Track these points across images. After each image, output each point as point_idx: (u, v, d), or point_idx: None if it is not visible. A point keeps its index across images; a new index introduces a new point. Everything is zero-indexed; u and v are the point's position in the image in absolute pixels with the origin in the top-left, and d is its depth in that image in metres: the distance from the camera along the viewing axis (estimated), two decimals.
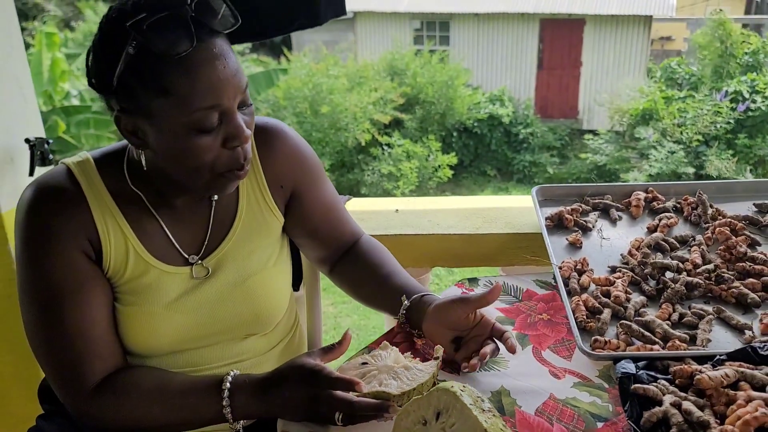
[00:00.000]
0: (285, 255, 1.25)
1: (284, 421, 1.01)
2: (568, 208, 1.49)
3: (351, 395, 0.95)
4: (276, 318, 1.21)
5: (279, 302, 1.20)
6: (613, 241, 1.43)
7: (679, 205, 1.52)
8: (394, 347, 1.09)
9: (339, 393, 0.95)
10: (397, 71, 11.69)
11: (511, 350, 1.11)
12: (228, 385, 1.00)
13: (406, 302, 1.18)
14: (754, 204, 1.51)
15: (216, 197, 1.14)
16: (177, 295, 1.10)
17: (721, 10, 11.02)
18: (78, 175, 1.04)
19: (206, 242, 1.13)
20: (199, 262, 1.12)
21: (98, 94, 0.99)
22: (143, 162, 1.02)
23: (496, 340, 1.13)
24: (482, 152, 11.86)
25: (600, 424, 1.01)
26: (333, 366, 1.10)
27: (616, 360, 1.09)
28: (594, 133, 11.48)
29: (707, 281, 1.27)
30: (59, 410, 1.22)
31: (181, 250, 1.11)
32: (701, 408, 0.98)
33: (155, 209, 1.09)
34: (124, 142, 1.07)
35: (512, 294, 1.38)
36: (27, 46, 11.22)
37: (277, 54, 13.10)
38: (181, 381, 1.04)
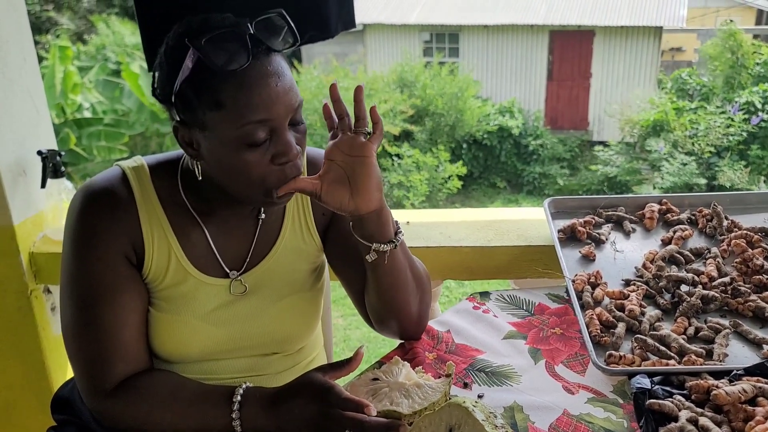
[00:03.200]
0: (321, 283, 1.25)
1: None
2: (581, 220, 1.48)
3: (361, 415, 0.94)
4: (303, 340, 1.23)
5: (309, 326, 1.22)
6: (626, 254, 1.41)
7: (693, 217, 1.50)
8: (405, 363, 1.07)
9: (349, 413, 0.94)
10: (407, 83, 11.72)
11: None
12: (239, 397, 1.00)
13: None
14: None
15: (263, 215, 1.15)
16: (212, 307, 1.11)
17: (731, 20, 10.99)
18: (132, 180, 1.07)
19: (249, 258, 1.14)
20: (239, 278, 1.13)
21: (161, 105, 1.02)
22: (198, 172, 1.04)
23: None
24: (492, 164, 11.85)
25: None
26: (344, 380, 1.09)
27: (631, 375, 1.07)
28: (604, 144, 11.45)
29: (723, 294, 1.25)
30: (72, 420, 1.24)
31: (222, 263, 1.12)
32: (718, 424, 0.96)
33: (202, 220, 1.11)
34: (180, 151, 1.10)
35: (524, 308, 1.37)
36: (40, 59, 11.36)
37: None
38: (195, 389, 1.05)
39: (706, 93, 10.53)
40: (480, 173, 11.82)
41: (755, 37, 11.92)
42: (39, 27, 15.22)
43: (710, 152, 9.53)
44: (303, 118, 1.03)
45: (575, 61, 13.30)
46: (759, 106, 9.72)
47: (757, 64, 10.41)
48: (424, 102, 11.45)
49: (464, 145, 11.67)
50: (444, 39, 13.87)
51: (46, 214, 1.73)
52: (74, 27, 16.08)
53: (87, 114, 9.83)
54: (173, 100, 0.98)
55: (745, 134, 9.55)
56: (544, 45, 13.30)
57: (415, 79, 11.71)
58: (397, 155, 10.60)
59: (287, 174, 1.00)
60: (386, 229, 1.07)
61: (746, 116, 9.68)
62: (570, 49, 13.27)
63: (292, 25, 1.00)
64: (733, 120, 9.61)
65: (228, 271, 1.13)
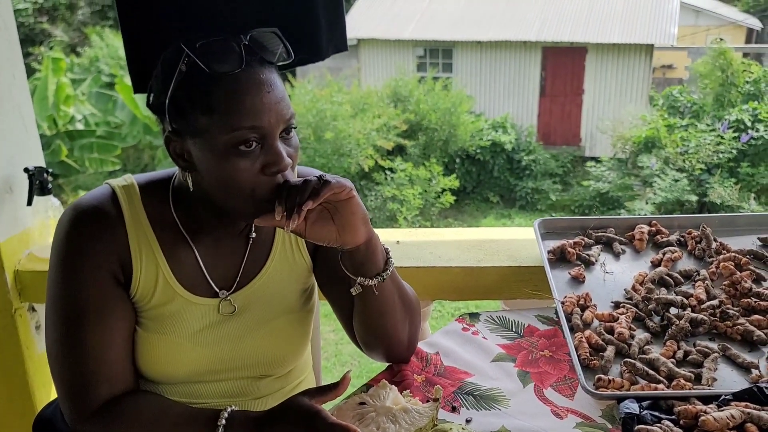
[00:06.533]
0: (311, 304, 1.24)
1: None
2: (571, 241, 1.48)
3: None
4: (292, 363, 1.22)
5: (298, 348, 1.21)
6: (616, 276, 1.41)
7: (683, 239, 1.50)
8: (392, 387, 1.07)
9: None
10: (401, 98, 11.76)
11: None
12: (224, 421, 0.99)
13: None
14: (758, 238, 1.49)
15: (254, 234, 1.14)
16: (200, 327, 1.10)
17: (721, 39, 11.11)
18: (121, 199, 1.07)
19: (238, 278, 1.13)
20: (228, 298, 1.12)
21: (155, 116, 1.03)
22: (190, 184, 1.03)
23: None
24: (485, 179, 11.88)
25: None
26: (330, 404, 1.08)
27: (620, 399, 1.06)
28: (596, 160, 11.50)
29: (712, 317, 1.25)
30: None
31: (211, 282, 1.11)
32: None
33: (192, 239, 1.10)
34: (170, 170, 1.11)
35: (514, 330, 1.36)
36: (33, 71, 11.34)
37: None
38: (180, 412, 1.04)
39: (697, 110, 10.62)
40: (473, 188, 11.85)
41: (745, 55, 12.06)
42: (32, 39, 15.19)
43: (701, 169, 9.59)
44: (296, 133, 1.02)
45: (568, 77, 13.40)
46: (749, 123, 9.80)
47: (747, 82, 10.51)
48: (417, 117, 11.48)
49: (457, 160, 11.71)
50: (438, 54, 13.95)
51: (32, 231, 1.71)
52: (68, 39, 16.08)
53: (79, 126, 9.82)
54: (167, 107, 0.98)
55: (735, 152, 9.62)
56: (537, 61, 13.40)
57: (408, 93, 11.75)
58: (390, 169, 10.62)
59: (275, 185, 0.99)
60: (375, 258, 1.07)
61: (736, 134, 9.76)
62: (562, 65, 13.37)
63: (287, 43, 1.01)
64: (723, 137, 9.68)
65: (217, 290, 1.12)
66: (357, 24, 13.74)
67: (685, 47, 14.19)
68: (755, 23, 17.02)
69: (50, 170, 1.64)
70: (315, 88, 11.59)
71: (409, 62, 13.74)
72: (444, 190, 10.56)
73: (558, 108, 13.43)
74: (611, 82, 13.07)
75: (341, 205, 1.00)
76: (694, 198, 9.39)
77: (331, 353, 5.65)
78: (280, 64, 1.03)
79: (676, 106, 10.87)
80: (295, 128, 1.01)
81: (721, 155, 9.55)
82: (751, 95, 10.34)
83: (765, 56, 13.60)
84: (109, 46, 13.09)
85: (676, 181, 9.52)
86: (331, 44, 1.18)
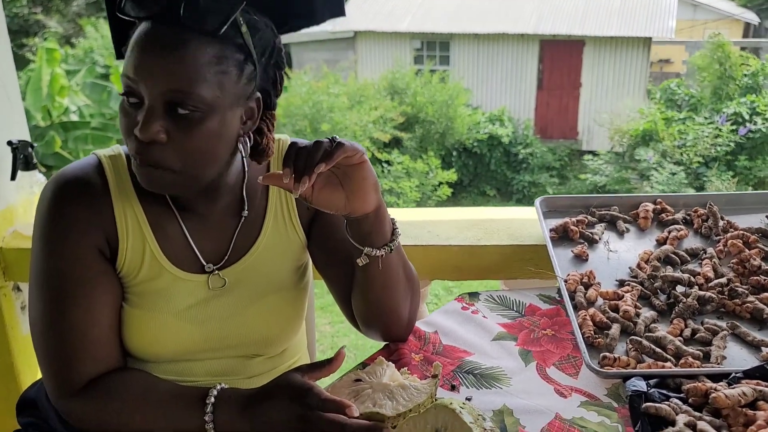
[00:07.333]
0: (305, 282, 1.19)
1: None
2: (574, 219, 1.43)
3: (341, 417, 0.89)
4: (285, 342, 1.17)
5: (291, 327, 1.16)
6: (620, 254, 1.37)
7: (689, 217, 1.46)
8: (390, 363, 1.02)
9: (329, 414, 0.89)
10: (398, 90, 11.70)
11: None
12: (212, 399, 0.95)
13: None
14: (766, 216, 1.45)
15: (246, 211, 1.09)
16: (189, 304, 1.06)
17: (719, 33, 11.08)
18: (107, 169, 1.02)
19: (228, 254, 1.09)
20: (217, 272, 1.07)
21: None
22: None
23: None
24: (482, 172, 11.84)
25: None
26: (325, 382, 1.03)
27: (626, 378, 1.02)
28: (594, 153, 11.46)
29: (720, 295, 1.21)
30: (37, 423, 1.18)
31: (200, 257, 1.07)
32: (717, 429, 0.91)
33: (181, 214, 1.06)
34: None
35: (514, 309, 1.32)
36: (27, 62, 11.24)
37: None
38: (167, 390, 1.00)
39: (695, 104, 10.60)
40: (470, 181, 11.81)
41: (742, 49, 12.02)
42: (27, 30, 15.08)
43: (698, 162, 9.58)
44: (199, 115, 0.91)
45: (565, 70, 13.36)
46: (746, 117, 9.78)
47: (745, 75, 10.48)
48: (414, 109, 11.43)
49: (454, 153, 11.66)
50: (435, 47, 13.89)
51: (17, 208, 1.65)
52: (62, 30, 15.97)
53: (74, 117, 9.72)
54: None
55: (732, 145, 9.60)
56: (534, 54, 13.35)
57: (405, 86, 11.69)
58: (387, 162, 10.57)
59: (133, 150, 0.92)
60: (383, 228, 1.02)
61: (734, 127, 9.74)
62: (560, 58, 13.33)
63: (238, 19, 0.92)
64: (720, 131, 9.66)
65: (204, 263, 1.07)
66: (354, 16, 13.67)
67: (683, 41, 14.17)
68: (753, 17, 17.00)
69: (34, 144, 1.58)
70: (311, 79, 11.54)
71: (406, 54, 13.68)
72: (441, 183, 10.53)
73: (555, 101, 13.39)
74: (609, 76, 13.03)
75: (352, 170, 0.94)
76: (691, 191, 9.38)
77: (327, 346, 5.61)
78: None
79: (674, 99, 10.85)
80: (196, 112, 0.91)
81: (719, 148, 9.53)
82: (749, 88, 10.32)
83: (762, 50, 13.59)
84: (103, 37, 12.99)
85: (674, 174, 9.50)
86: (327, 8, 1.12)
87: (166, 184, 0.96)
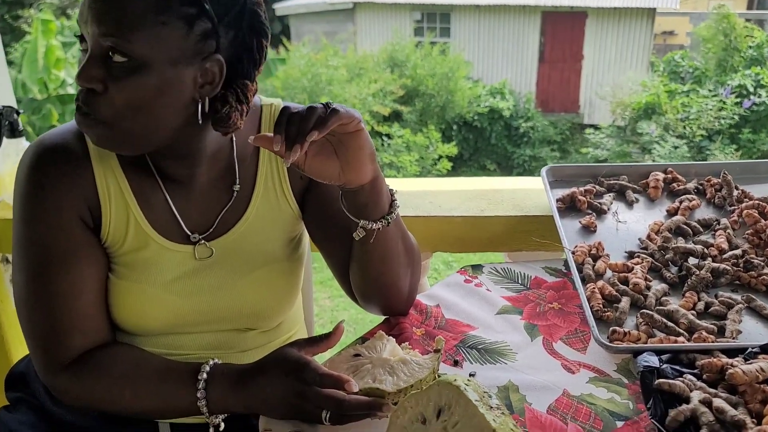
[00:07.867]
0: (300, 254, 1.14)
1: (267, 419, 0.91)
2: (581, 189, 1.38)
3: (340, 392, 0.85)
4: (280, 316, 1.13)
5: (286, 300, 1.12)
6: (630, 225, 1.32)
7: (701, 187, 1.41)
8: (390, 338, 0.98)
9: (326, 390, 0.85)
10: (398, 63, 11.55)
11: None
12: (205, 375, 0.92)
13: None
14: None
15: (238, 186, 1.04)
16: (177, 275, 1.02)
17: (724, 4, 10.92)
18: None
19: (216, 225, 1.04)
20: (203, 241, 1.03)
21: None
22: None
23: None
24: (482, 146, 11.75)
25: (620, 423, 0.90)
26: (323, 357, 0.99)
27: (637, 353, 0.98)
28: (595, 127, 11.36)
29: (735, 268, 1.16)
30: (25, 399, 1.14)
31: (184, 226, 1.02)
32: (734, 406, 0.88)
33: (164, 182, 1.01)
34: None
35: (519, 282, 1.27)
36: (23, 33, 11.07)
37: (275, 44, 12.97)
38: (158, 365, 0.97)
39: (699, 76, 10.48)
40: (470, 155, 11.72)
41: (747, 20, 11.86)
42: (22, 1, 14.85)
43: (701, 135, 9.49)
44: (133, 65, 0.85)
45: (567, 43, 13.18)
46: (751, 89, 9.68)
47: (750, 47, 10.36)
48: (414, 82, 11.29)
49: (454, 127, 11.55)
50: (435, 19, 13.69)
51: (3, 177, 1.59)
52: (58, 1, 15.73)
53: (71, 90, 9.61)
54: None
55: (736, 117, 9.51)
56: (536, 26, 13.16)
57: (405, 58, 11.54)
58: (387, 135, 10.48)
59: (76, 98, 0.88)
60: (380, 199, 0.96)
61: (738, 99, 9.64)
62: (562, 30, 13.14)
63: None
64: (725, 103, 9.56)
65: (189, 233, 1.03)
66: None
67: (688, 12, 13.97)
68: None
69: (20, 111, 1.51)
70: (310, 51, 11.38)
71: (406, 26, 13.48)
72: (441, 156, 10.45)
73: (557, 74, 13.23)
74: (611, 48, 12.86)
75: (347, 138, 0.88)
76: None
77: (327, 320, 5.59)
78: None
79: (678, 71, 10.73)
80: (130, 61, 0.85)
81: (722, 121, 9.45)
82: (753, 60, 10.20)
83: (766, 22, 13.41)
84: None
85: (676, 147, 9.43)
86: None
87: (100, 136, 0.90)
